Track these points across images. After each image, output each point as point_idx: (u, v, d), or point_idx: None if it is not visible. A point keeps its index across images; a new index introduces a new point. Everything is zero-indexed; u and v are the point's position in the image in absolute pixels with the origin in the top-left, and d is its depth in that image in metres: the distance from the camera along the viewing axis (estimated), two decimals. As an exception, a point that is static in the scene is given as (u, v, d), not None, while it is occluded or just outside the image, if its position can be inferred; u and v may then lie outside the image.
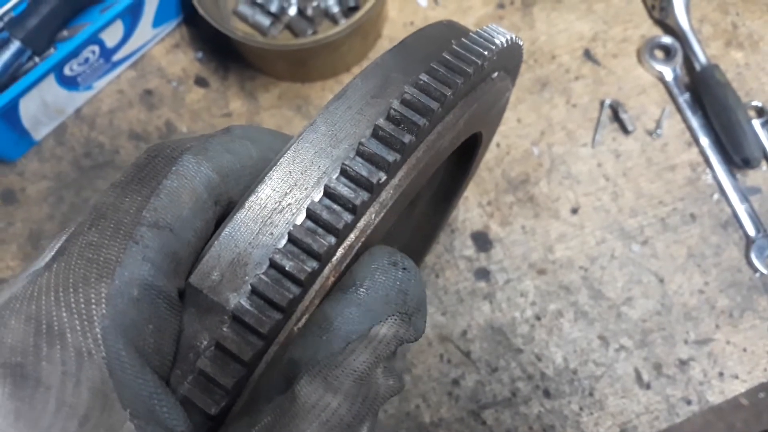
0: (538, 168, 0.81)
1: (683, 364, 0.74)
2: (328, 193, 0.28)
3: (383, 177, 0.29)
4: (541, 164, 0.81)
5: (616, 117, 0.82)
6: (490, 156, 0.81)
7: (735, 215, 0.78)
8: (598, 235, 0.78)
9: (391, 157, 0.29)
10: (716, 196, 0.79)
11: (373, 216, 0.30)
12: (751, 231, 0.77)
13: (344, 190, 0.28)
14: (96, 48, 0.79)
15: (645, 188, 0.80)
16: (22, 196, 0.82)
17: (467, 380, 0.74)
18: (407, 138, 0.29)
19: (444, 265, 0.78)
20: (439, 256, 0.78)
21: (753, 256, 0.76)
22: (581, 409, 0.73)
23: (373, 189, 0.29)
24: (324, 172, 0.29)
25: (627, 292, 0.76)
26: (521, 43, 0.42)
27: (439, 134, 0.32)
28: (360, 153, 0.29)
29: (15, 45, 0.73)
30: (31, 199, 0.82)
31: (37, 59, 0.76)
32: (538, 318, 0.76)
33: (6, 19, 0.72)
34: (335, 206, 0.28)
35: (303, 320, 0.28)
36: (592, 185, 0.80)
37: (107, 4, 0.77)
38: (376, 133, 0.29)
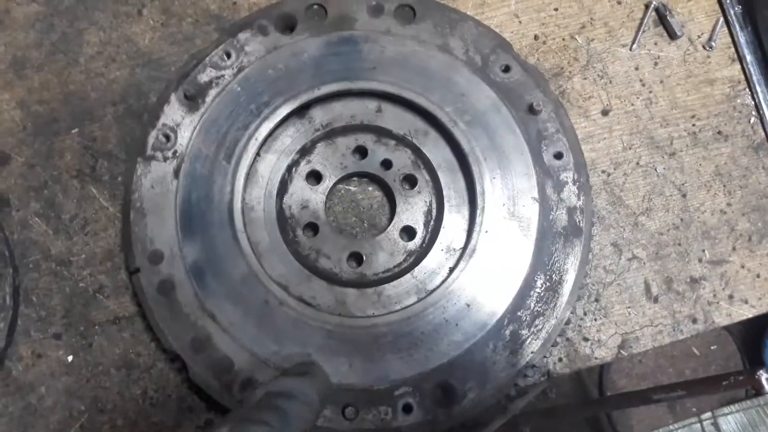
0: (573, 62, 0.75)
1: (694, 282, 0.71)
2: None
3: None
4: (577, 59, 0.75)
5: (661, 21, 0.77)
6: (524, 44, 0.75)
7: (769, 139, 0.74)
8: (626, 140, 0.74)
9: None
10: (753, 117, 0.75)
11: None
12: (784, 157, 0.74)
13: None
14: None
15: (680, 99, 0.75)
16: (7, 18, 0.74)
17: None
18: None
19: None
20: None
21: (782, 183, 0.73)
22: (585, 313, 0.70)
23: None
24: None
25: (647, 203, 0.72)
26: None
27: None
28: None
29: None
30: (17, 23, 0.74)
31: None
32: (553, 217, 0.72)
33: None
34: None
35: None
36: (626, 88, 0.75)
37: None
38: None
